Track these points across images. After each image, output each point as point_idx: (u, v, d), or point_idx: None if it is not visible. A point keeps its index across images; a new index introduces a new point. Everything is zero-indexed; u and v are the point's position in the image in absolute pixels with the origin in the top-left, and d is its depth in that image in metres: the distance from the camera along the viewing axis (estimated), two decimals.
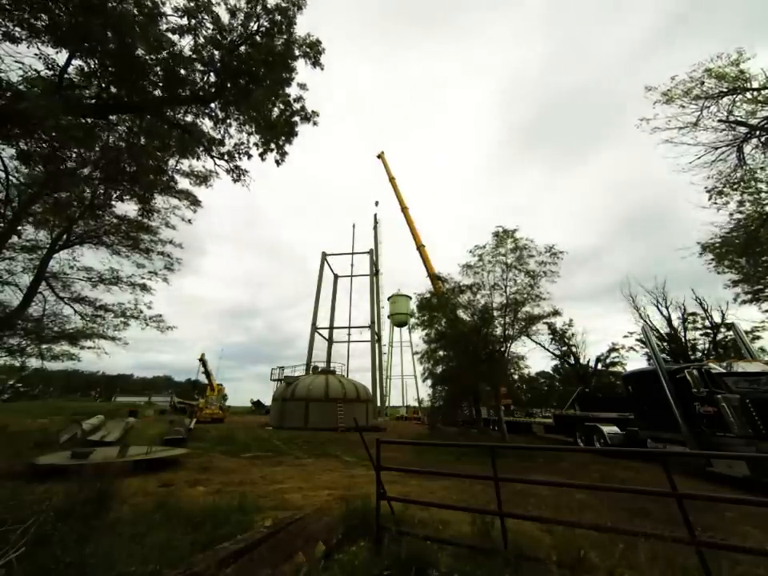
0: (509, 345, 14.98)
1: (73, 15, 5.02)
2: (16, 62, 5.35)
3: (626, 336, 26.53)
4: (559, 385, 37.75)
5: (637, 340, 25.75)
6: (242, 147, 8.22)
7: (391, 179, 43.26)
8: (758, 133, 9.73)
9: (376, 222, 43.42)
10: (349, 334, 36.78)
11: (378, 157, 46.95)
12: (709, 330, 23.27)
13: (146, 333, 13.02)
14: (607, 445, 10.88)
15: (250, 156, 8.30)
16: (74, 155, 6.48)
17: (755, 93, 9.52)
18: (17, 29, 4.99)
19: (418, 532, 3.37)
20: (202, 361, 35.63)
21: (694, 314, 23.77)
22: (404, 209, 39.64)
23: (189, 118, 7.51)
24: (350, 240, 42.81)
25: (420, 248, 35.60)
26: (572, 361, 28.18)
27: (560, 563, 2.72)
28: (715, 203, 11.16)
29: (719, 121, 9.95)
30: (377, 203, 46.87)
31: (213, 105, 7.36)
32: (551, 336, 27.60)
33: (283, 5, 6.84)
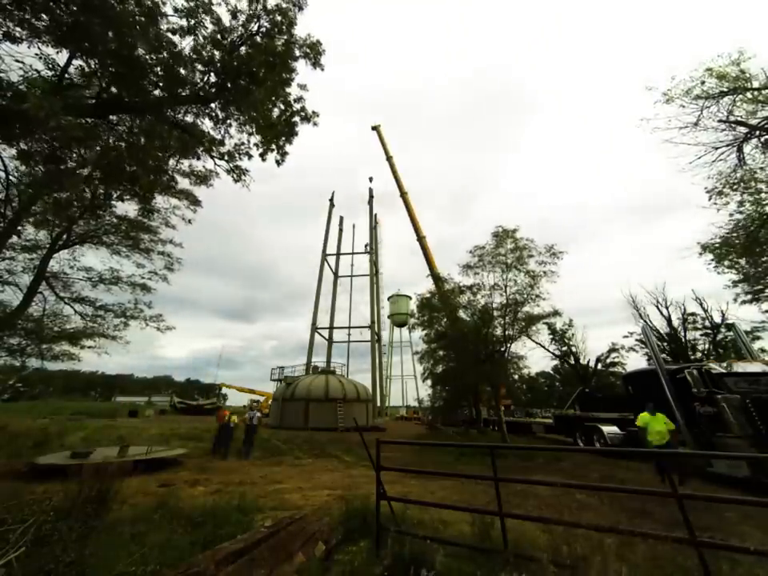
0: (509, 345, 14.98)
1: (73, 15, 5.02)
2: (17, 61, 5.35)
3: (625, 336, 26.56)
4: (559, 385, 37.74)
5: (637, 340, 25.76)
6: (243, 147, 8.21)
7: (389, 158, 37.51)
8: (758, 133, 9.72)
9: (376, 222, 43.38)
10: (349, 334, 36.77)
11: (374, 129, 39.56)
12: (709, 330, 23.26)
13: (146, 332, 12.95)
14: (607, 445, 10.87)
15: (250, 156, 8.29)
16: (74, 155, 6.48)
17: (755, 92, 9.52)
18: (17, 29, 4.99)
19: (418, 532, 3.37)
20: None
21: (693, 314, 23.78)
22: (403, 194, 35.21)
23: (189, 118, 7.50)
24: (350, 239, 42.77)
25: (421, 239, 31.99)
26: (572, 361, 28.17)
27: (560, 563, 2.72)
28: (715, 204, 11.17)
29: (719, 121, 9.94)
30: (371, 179, 39.59)
31: (213, 105, 7.36)
32: (551, 336, 27.62)
33: (284, 5, 6.84)
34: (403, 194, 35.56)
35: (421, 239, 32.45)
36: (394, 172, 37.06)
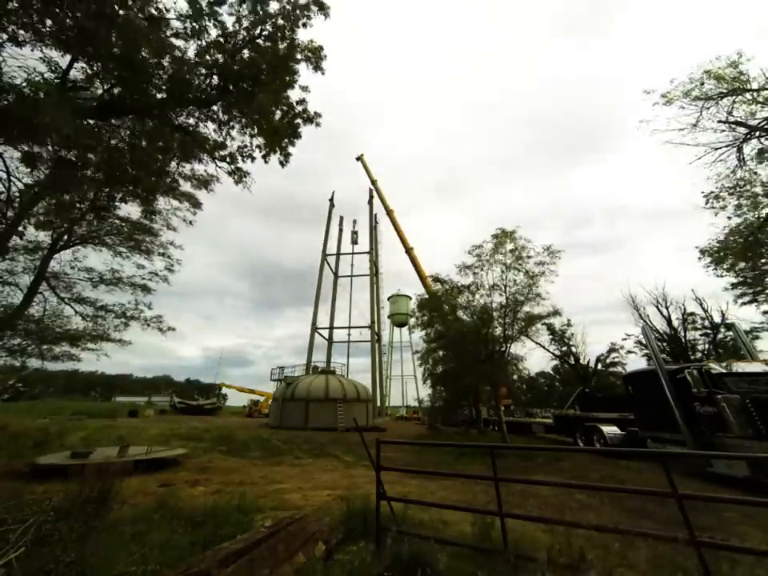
0: (508, 345, 14.97)
1: (79, 20, 5.03)
2: (20, 67, 5.36)
3: (624, 338, 26.55)
4: (559, 385, 37.72)
5: (636, 341, 25.75)
6: (245, 150, 8.21)
7: (373, 182, 42.08)
8: (757, 133, 9.74)
9: (376, 222, 43.32)
10: (349, 334, 36.76)
11: (358, 159, 45.06)
12: (709, 330, 23.25)
13: (146, 333, 12.95)
14: (607, 445, 10.87)
15: (253, 158, 8.28)
16: (76, 157, 6.49)
17: (754, 93, 9.53)
18: (21, 32, 5.01)
19: (418, 532, 3.37)
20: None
21: (693, 314, 23.77)
22: (389, 212, 38.97)
23: (191, 121, 7.52)
24: (350, 239, 42.76)
25: (409, 251, 34.76)
26: (572, 361, 28.16)
27: (560, 563, 2.72)
28: (712, 207, 11.20)
29: (719, 122, 9.96)
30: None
31: (215, 107, 7.37)
32: (551, 336, 27.62)
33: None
34: (389, 212, 39.09)
35: (408, 251, 34.71)
36: (380, 195, 40.85)
